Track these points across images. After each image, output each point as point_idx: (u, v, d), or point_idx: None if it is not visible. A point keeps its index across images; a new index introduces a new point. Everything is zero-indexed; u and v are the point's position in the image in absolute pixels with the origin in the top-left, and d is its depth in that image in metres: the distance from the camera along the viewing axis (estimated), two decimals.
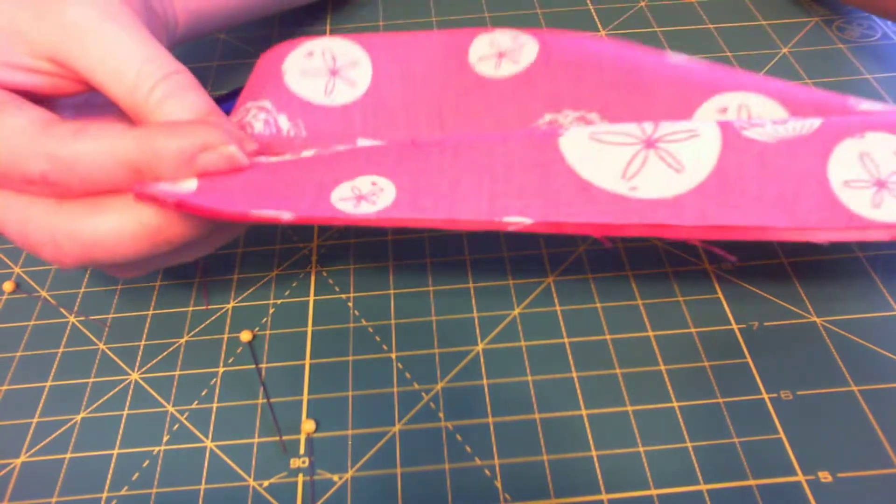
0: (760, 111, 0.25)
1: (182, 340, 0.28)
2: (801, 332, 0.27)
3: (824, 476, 0.23)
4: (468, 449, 0.24)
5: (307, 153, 0.24)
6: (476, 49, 0.29)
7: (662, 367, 0.26)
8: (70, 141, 0.21)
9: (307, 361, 0.27)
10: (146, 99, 0.23)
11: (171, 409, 0.26)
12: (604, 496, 0.23)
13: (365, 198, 0.22)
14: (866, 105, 0.24)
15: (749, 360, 0.26)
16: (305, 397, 0.26)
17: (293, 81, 0.27)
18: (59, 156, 0.21)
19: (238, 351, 0.27)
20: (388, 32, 0.30)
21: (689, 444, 0.24)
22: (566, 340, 0.27)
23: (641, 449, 0.24)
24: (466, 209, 0.21)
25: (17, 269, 0.31)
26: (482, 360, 0.26)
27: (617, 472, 0.23)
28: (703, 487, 0.23)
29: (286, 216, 0.21)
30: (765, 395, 0.25)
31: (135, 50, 0.23)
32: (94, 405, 0.26)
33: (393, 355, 0.27)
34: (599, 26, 0.41)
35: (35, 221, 0.22)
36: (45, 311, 0.29)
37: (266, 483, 0.24)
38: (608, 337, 0.27)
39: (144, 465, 0.24)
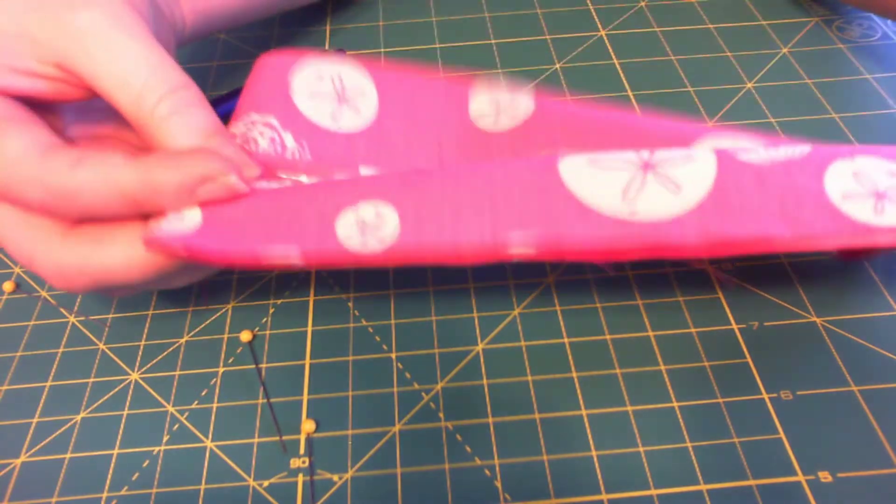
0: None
1: (182, 340, 0.28)
2: (801, 332, 0.27)
3: (824, 476, 0.23)
4: (468, 449, 0.24)
5: (308, 181, 0.24)
6: (476, 105, 0.30)
7: (662, 367, 0.26)
8: (68, 172, 0.21)
9: (307, 361, 0.27)
10: (151, 113, 0.22)
11: (171, 409, 0.26)
12: (604, 496, 0.23)
13: (369, 230, 0.22)
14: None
15: (749, 360, 0.26)
16: (305, 397, 0.26)
17: (301, 102, 0.27)
18: (57, 186, 0.21)
19: (238, 351, 0.27)
20: (395, 67, 0.31)
21: (689, 444, 0.24)
22: (566, 340, 0.27)
23: (641, 449, 0.24)
24: (470, 240, 0.22)
25: (17, 269, 0.31)
26: (482, 360, 0.26)
27: (617, 472, 0.23)
28: (703, 487, 0.23)
29: (294, 253, 0.22)
30: (765, 395, 0.25)
31: (143, 62, 0.23)
32: (94, 405, 0.26)
33: (393, 355, 0.27)
34: (599, 26, 0.41)
35: (41, 255, 0.22)
36: (45, 311, 0.29)
37: (266, 483, 0.24)
38: (608, 337, 0.27)
39: (144, 465, 0.24)
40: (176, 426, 0.25)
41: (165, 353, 0.27)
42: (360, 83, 0.29)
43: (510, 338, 0.27)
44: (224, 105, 0.35)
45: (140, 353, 0.27)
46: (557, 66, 0.38)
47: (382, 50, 0.40)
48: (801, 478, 0.23)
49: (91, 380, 0.27)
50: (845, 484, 0.23)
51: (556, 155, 0.23)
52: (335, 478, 0.24)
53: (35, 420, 0.26)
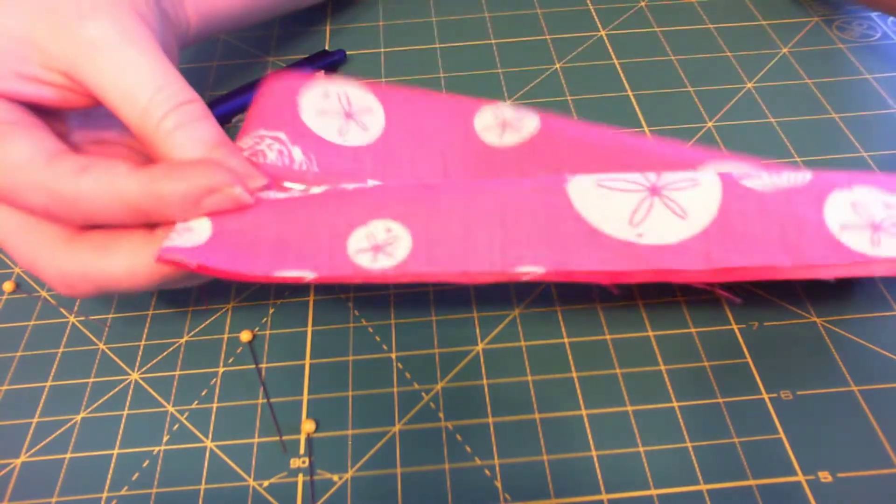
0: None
1: (182, 340, 0.28)
2: (801, 332, 0.27)
3: (824, 476, 0.23)
4: (468, 449, 0.24)
5: (316, 189, 0.25)
6: (481, 119, 0.30)
7: (662, 367, 0.26)
8: (72, 179, 0.21)
9: (307, 361, 0.27)
10: (156, 127, 0.22)
11: (171, 409, 0.26)
12: (604, 496, 0.23)
13: (381, 249, 0.22)
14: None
15: (749, 360, 0.26)
16: (305, 397, 0.26)
17: (309, 119, 0.28)
18: (61, 193, 0.21)
19: (238, 351, 0.27)
20: (401, 87, 0.31)
21: (689, 444, 0.24)
22: (566, 340, 0.27)
23: (641, 449, 0.24)
24: (480, 260, 0.22)
25: (17, 270, 0.31)
26: (482, 360, 0.26)
27: (617, 472, 0.23)
28: (703, 487, 0.23)
29: (309, 277, 0.22)
30: (765, 395, 0.25)
31: (149, 75, 0.23)
32: (94, 405, 0.26)
33: (393, 355, 0.27)
34: (599, 26, 0.41)
35: (44, 261, 0.22)
36: (45, 311, 0.29)
37: (266, 483, 0.24)
38: (608, 337, 0.27)
39: (144, 465, 0.24)
40: (176, 426, 0.25)
41: (165, 353, 0.27)
42: (367, 101, 0.30)
43: (510, 338, 0.27)
44: (224, 105, 0.35)
45: (140, 353, 0.27)
46: (557, 66, 0.38)
47: (382, 50, 0.40)
48: (801, 478, 0.23)
49: (91, 380, 0.27)
50: (845, 484, 0.23)
51: (564, 175, 0.24)
52: (335, 478, 0.24)
53: (35, 420, 0.26)
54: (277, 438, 0.25)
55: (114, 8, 0.23)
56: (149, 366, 0.27)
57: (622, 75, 0.37)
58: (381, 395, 0.26)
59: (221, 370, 0.27)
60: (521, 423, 0.25)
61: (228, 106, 0.35)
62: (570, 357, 0.26)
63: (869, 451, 0.23)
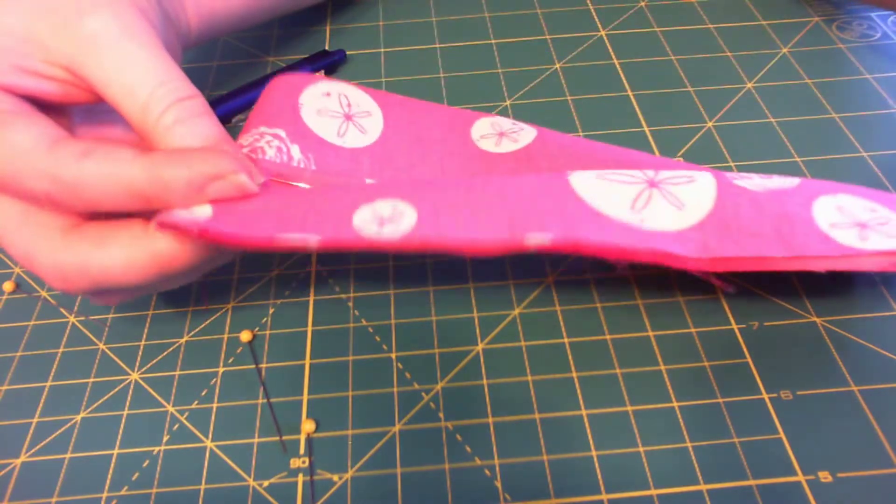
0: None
1: (182, 340, 0.28)
2: (801, 332, 0.27)
3: (824, 476, 0.23)
4: (468, 449, 0.24)
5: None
6: (478, 129, 0.31)
7: (662, 367, 0.26)
8: (75, 164, 0.21)
9: (307, 361, 0.27)
10: (156, 122, 0.22)
11: (171, 409, 0.26)
12: (604, 496, 0.23)
13: (387, 221, 0.22)
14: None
15: (749, 360, 0.26)
16: (305, 397, 0.26)
17: (309, 117, 0.28)
18: (64, 178, 0.21)
19: (238, 351, 0.27)
20: (400, 95, 0.32)
21: (689, 444, 0.24)
22: (566, 340, 0.27)
23: (641, 449, 0.24)
24: (488, 229, 0.22)
25: (17, 269, 0.31)
26: (482, 360, 0.26)
27: (617, 472, 0.23)
28: (703, 487, 0.23)
29: (313, 240, 0.21)
30: (765, 395, 0.25)
31: (150, 70, 0.23)
32: (94, 405, 0.26)
33: (393, 355, 0.27)
34: (599, 26, 0.41)
35: (41, 255, 0.22)
36: (45, 311, 0.29)
37: (266, 483, 0.24)
38: (608, 337, 0.27)
39: (144, 465, 0.24)
40: (176, 426, 0.25)
41: (165, 353, 0.27)
42: (366, 104, 0.30)
43: (510, 338, 0.27)
44: (224, 105, 0.35)
45: (140, 353, 0.27)
46: (557, 66, 0.38)
47: (382, 50, 0.40)
48: (801, 478, 0.23)
49: (91, 380, 0.27)
50: (845, 484, 0.23)
51: (564, 171, 0.24)
52: (335, 478, 0.24)
53: (35, 420, 0.26)
54: (277, 438, 0.25)
55: (114, 2, 0.23)
56: (149, 366, 0.27)
57: (622, 75, 0.37)
58: (381, 395, 0.26)
59: (221, 370, 0.27)
60: (521, 423, 0.25)
61: (228, 106, 0.35)
62: (570, 357, 0.26)
63: (869, 451, 0.23)
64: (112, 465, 0.24)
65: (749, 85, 0.36)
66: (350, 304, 0.28)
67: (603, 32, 0.40)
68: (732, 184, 0.24)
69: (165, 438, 0.25)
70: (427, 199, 0.23)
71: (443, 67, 0.39)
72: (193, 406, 0.26)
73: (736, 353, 0.26)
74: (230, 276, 0.30)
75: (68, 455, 0.25)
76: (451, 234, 0.22)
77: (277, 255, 0.30)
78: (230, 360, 0.27)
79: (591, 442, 0.24)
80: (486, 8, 0.43)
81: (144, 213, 0.23)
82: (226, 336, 0.28)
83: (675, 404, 0.25)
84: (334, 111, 0.29)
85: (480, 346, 0.27)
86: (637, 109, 0.35)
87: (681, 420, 0.24)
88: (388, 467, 0.24)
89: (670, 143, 0.33)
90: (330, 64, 0.38)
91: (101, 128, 0.26)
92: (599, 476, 0.23)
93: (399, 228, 0.22)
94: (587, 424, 0.24)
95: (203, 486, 0.24)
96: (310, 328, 0.28)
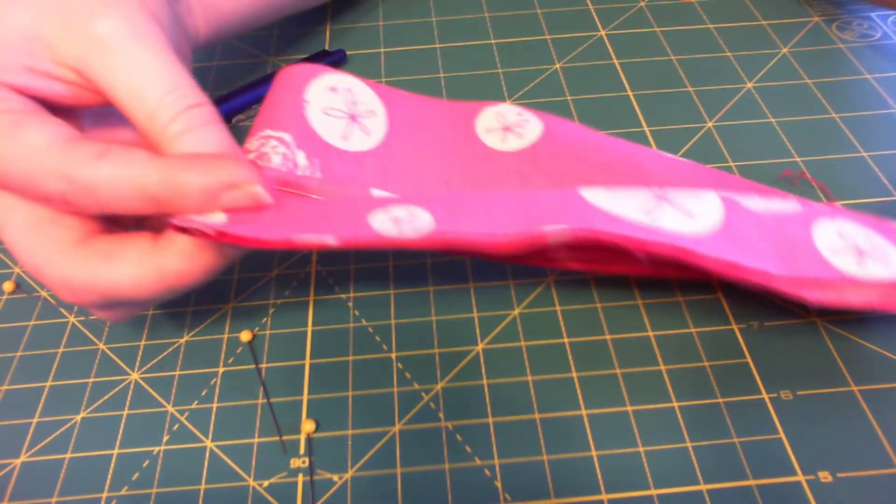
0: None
1: (182, 340, 0.28)
2: (801, 332, 0.27)
3: (824, 476, 0.23)
4: (468, 449, 0.24)
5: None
6: (483, 121, 0.31)
7: (662, 367, 0.26)
8: (90, 165, 0.21)
9: (307, 361, 0.27)
10: (164, 129, 0.22)
11: (171, 409, 0.26)
12: (604, 496, 0.23)
13: (403, 221, 0.22)
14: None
15: (749, 360, 0.26)
16: (305, 397, 0.26)
17: (314, 117, 0.28)
18: (78, 179, 0.21)
19: (238, 351, 0.27)
20: (403, 91, 0.32)
21: (689, 444, 0.24)
22: (566, 340, 0.27)
23: (641, 449, 0.24)
24: (504, 223, 0.22)
25: (17, 270, 0.31)
26: (482, 360, 0.26)
27: (617, 472, 0.23)
28: (703, 487, 0.23)
29: (330, 239, 0.21)
30: (765, 395, 0.25)
31: (159, 76, 0.22)
32: (94, 405, 0.26)
33: (393, 355, 0.27)
34: (599, 26, 0.41)
35: (50, 267, 0.22)
36: (45, 311, 0.29)
37: (266, 483, 0.24)
38: (608, 337, 0.27)
39: (144, 465, 0.24)
40: (176, 426, 0.25)
41: (165, 353, 0.27)
42: (371, 101, 0.30)
43: (510, 338, 0.27)
44: (224, 105, 0.35)
45: (140, 353, 0.27)
46: (557, 66, 0.38)
47: (382, 50, 0.40)
48: (801, 478, 0.23)
49: (91, 380, 0.27)
50: (845, 484, 0.23)
51: (575, 187, 0.24)
52: (335, 478, 0.24)
53: (35, 420, 0.26)
54: (277, 438, 0.25)
55: (126, 6, 0.23)
56: (149, 366, 0.27)
57: (622, 75, 0.37)
58: (381, 395, 0.26)
59: (221, 370, 0.27)
60: (521, 423, 0.25)
61: (228, 106, 0.35)
62: (570, 357, 0.26)
63: (869, 451, 0.23)
64: (112, 465, 0.24)
65: (749, 85, 0.36)
66: (350, 304, 0.28)
67: (603, 32, 0.40)
68: (737, 203, 0.24)
69: (165, 438, 0.25)
70: (441, 204, 0.23)
71: (443, 67, 0.39)
72: (193, 406, 0.26)
73: (736, 353, 0.26)
74: (230, 276, 0.30)
75: (68, 455, 0.25)
76: (469, 229, 0.22)
77: (277, 256, 0.30)
78: (230, 360, 0.27)
79: (591, 442, 0.24)
80: (486, 8, 0.43)
81: (155, 218, 0.23)
82: (226, 336, 0.28)
83: (675, 404, 0.25)
84: (339, 110, 0.29)
85: (480, 346, 0.27)
86: (637, 109, 0.35)
87: (681, 420, 0.24)
88: (388, 467, 0.24)
89: (670, 143, 0.33)
90: (330, 64, 0.38)
91: (109, 130, 0.26)
92: (599, 476, 0.23)
93: (416, 226, 0.22)
94: (587, 424, 0.24)
95: (203, 486, 0.24)
96: (310, 328, 0.28)
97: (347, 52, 0.40)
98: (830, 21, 0.40)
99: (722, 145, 0.33)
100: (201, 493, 0.23)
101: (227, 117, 0.36)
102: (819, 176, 0.31)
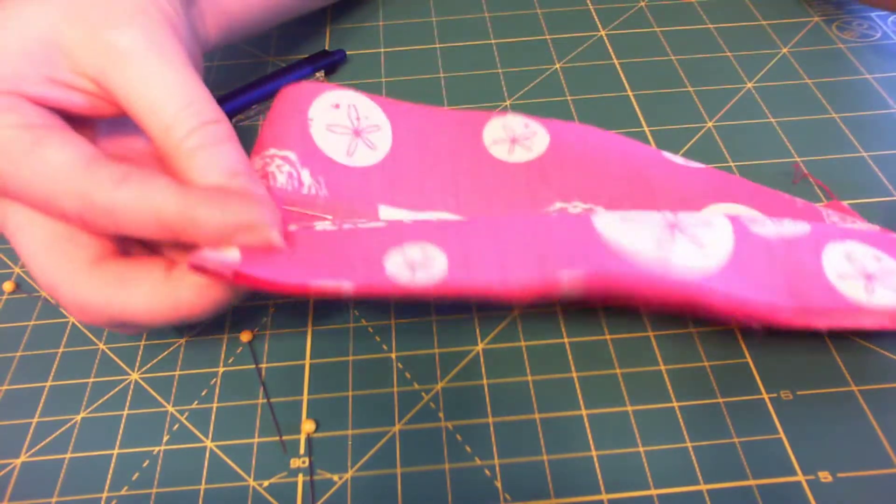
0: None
1: (182, 340, 0.28)
2: (801, 332, 0.26)
3: (824, 476, 0.23)
4: (468, 449, 0.24)
5: (344, 225, 0.24)
6: (490, 132, 0.31)
7: (662, 367, 0.26)
8: (110, 190, 0.21)
9: (307, 361, 0.27)
10: (179, 144, 0.22)
11: (171, 409, 0.26)
12: (604, 496, 0.23)
13: (418, 266, 0.22)
14: (841, 224, 0.27)
15: (749, 360, 0.26)
16: (305, 397, 0.26)
17: (318, 135, 0.28)
18: (97, 202, 0.21)
19: (238, 351, 0.27)
20: (407, 102, 0.32)
21: (689, 444, 0.24)
22: (566, 340, 0.27)
23: (641, 449, 0.24)
24: (519, 270, 0.22)
25: (17, 270, 0.31)
26: (482, 360, 0.26)
27: (617, 472, 0.23)
28: (703, 487, 0.23)
29: (346, 286, 0.21)
30: (765, 395, 0.25)
31: (177, 91, 0.22)
32: (94, 405, 0.26)
33: (393, 355, 0.27)
34: (599, 26, 0.41)
35: (65, 288, 0.22)
36: (45, 311, 0.29)
37: (266, 483, 0.24)
38: (608, 337, 0.27)
39: (144, 465, 0.24)
40: (176, 426, 0.25)
41: (165, 353, 0.27)
42: (375, 117, 0.30)
43: (510, 338, 0.27)
44: (224, 105, 0.35)
45: (140, 353, 0.27)
46: (557, 66, 0.38)
47: (382, 50, 0.40)
48: (801, 478, 0.23)
49: (91, 380, 0.27)
50: (845, 484, 0.23)
51: (589, 212, 0.24)
52: (335, 478, 0.24)
53: (35, 420, 0.26)
54: (277, 438, 0.25)
55: (146, 17, 0.23)
56: (149, 366, 0.27)
57: (622, 75, 0.37)
58: (381, 395, 0.26)
59: (221, 370, 0.27)
60: (521, 423, 0.25)
61: (228, 106, 0.35)
62: (570, 357, 0.26)
63: (869, 451, 0.23)
64: (112, 465, 0.24)
65: (749, 85, 0.36)
66: (350, 304, 0.28)
67: (603, 32, 0.40)
68: (748, 230, 0.24)
69: (165, 438, 0.25)
70: (454, 240, 0.23)
71: (443, 67, 0.39)
72: (193, 406, 0.26)
73: (736, 353, 0.26)
74: None
75: (68, 455, 0.25)
76: (484, 278, 0.22)
77: None
78: (230, 360, 0.27)
79: (591, 442, 0.24)
80: (486, 8, 0.43)
81: (170, 245, 0.24)
82: (226, 336, 0.28)
83: (675, 404, 0.25)
84: (343, 126, 0.29)
85: (480, 346, 0.27)
86: (637, 109, 0.35)
87: (681, 420, 0.24)
88: (388, 467, 0.24)
89: (670, 143, 0.33)
90: (330, 64, 0.38)
91: (125, 141, 0.26)
92: (599, 476, 0.23)
93: (432, 273, 0.22)
94: (587, 424, 0.24)
95: (203, 486, 0.24)
96: (310, 328, 0.28)
97: (347, 52, 0.40)
98: (830, 21, 0.40)
99: (722, 145, 0.33)
100: (201, 493, 0.23)
101: (228, 117, 0.36)
102: (819, 176, 0.31)
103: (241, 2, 0.31)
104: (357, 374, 0.26)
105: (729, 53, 0.38)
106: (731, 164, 0.32)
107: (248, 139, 0.35)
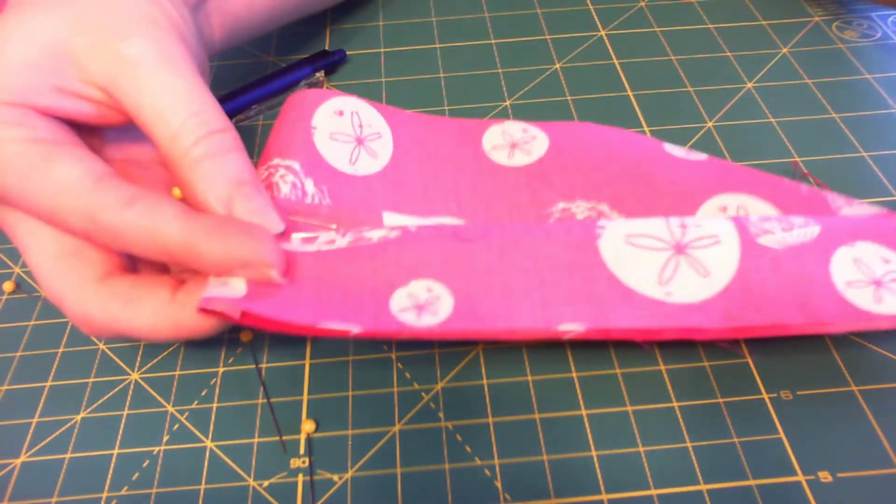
0: (756, 211, 0.27)
1: None
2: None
3: (824, 476, 0.23)
4: (468, 449, 0.24)
5: (342, 241, 0.24)
6: (489, 138, 0.31)
7: (662, 368, 0.26)
8: (117, 212, 0.21)
9: (307, 361, 0.27)
10: (185, 153, 0.22)
11: (171, 409, 0.26)
12: (604, 496, 0.23)
13: (424, 308, 0.23)
14: (846, 208, 0.27)
15: (749, 360, 0.26)
16: (305, 397, 0.26)
17: (322, 143, 0.28)
18: (103, 222, 0.21)
19: (238, 351, 0.27)
20: (408, 111, 0.32)
21: (689, 444, 0.24)
22: (566, 341, 0.27)
23: (641, 449, 0.24)
24: (523, 317, 0.23)
25: (17, 269, 0.31)
26: (482, 360, 0.26)
27: (617, 472, 0.23)
28: (703, 487, 0.23)
29: (354, 329, 0.22)
30: (765, 395, 0.25)
31: (184, 100, 0.22)
32: (94, 405, 0.26)
33: (393, 355, 0.27)
34: (599, 26, 0.41)
35: (70, 302, 0.22)
36: (45, 311, 0.29)
37: (266, 483, 0.24)
38: None
39: (144, 465, 0.24)
40: (176, 426, 0.25)
41: (165, 353, 0.27)
42: (377, 123, 0.30)
43: None
44: (224, 105, 0.35)
45: (140, 353, 0.27)
46: (557, 66, 0.38)
47: (382, 50, 0.40)
48: (801, 478, 0.23)
49: (91, 380, 0.27)
50: (845, 484, 0.23)
51: (594, 230, 0.24)
52: (335, 478, 0.24)
53: (35, 420, 0.26)
54: (277, 438, 0.25)
55: (155, 28, 0.23)
56: (149, 366, 0.27)
57: (622, 75, 0.37)
58: (381, 395, 0.26)
59: (221, 370, 0.27)
60: (521, 423, 0.25)
61: (228, 106, 0.35)
62: (570, 357, 0.26)
63: (869, 451, 0.23)
64: (112, 465, 0.24)
65: (749, 85, 0.36)
66: None
67: (603, 32, 0.40)
68: (755, 243, 0.24)
69: (165, 438, 0.25)
70: (459, 278, 0.23)
71: (443, 67, 0.39)
72: (193, 406, 0.26)
73: (736, 353, 0.26)
74: None
75: (68, 455, 0.25)
76: (488, 324, 0.22)
77: None
78: (230, 360, 0.27)
79: (591, 442, 0.24)
80: (486, 8, 0.43)
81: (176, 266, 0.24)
82: (226, 336, 0.28)
83: (675, 404, 0.25)
84: (346, 134, 0.29)
85: (480, 346, 0.27)
86: (637, 109, 0.35)
87: (681, 420, 0.24)
88: (388, 467, 0.24)
89: (670, 142, 0.33)
90: (330, 64, 0.38)
91: (133, 147, 0.26)
92: (599, 476, 0.23)
93: (437, 319, 0.22)
94: (587, 424, 0.24)
95: (203, 486, 0.24)
96: None
97: (347, 52, 0.40)
98: (830, 21, 0.40)
99: (722, 145, 0.33)
100: (201, 493, 0.23)
101: (228, 117, 0.36)
102: (819, 176, 0.31)
103: (246, 4, 0.32)
104: (357, 374, 0.26)
105: (729, 53, 0.38)
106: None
107: (248, 139, 0.35)
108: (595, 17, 0.42)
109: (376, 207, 0.28)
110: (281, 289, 0.22)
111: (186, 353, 0.27)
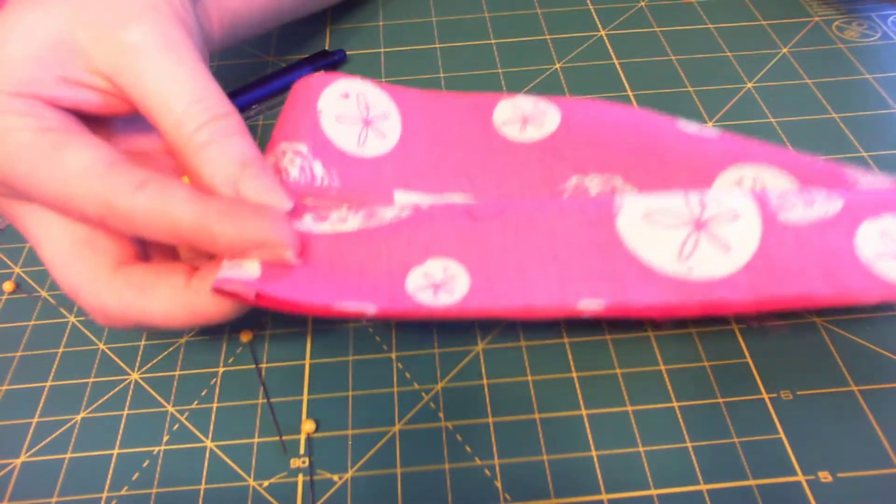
0: (773, 183, 0.26)
1: (182, 340, 0.28)
2: (801, 332, 0.27)
3: (824, 476, 0.23)
4: (468, 449, 0.24)
5: (353, 221, 0.24)
6: (500, 113, 0.30)
7: (662, 367, 0.26)
8: (130, 194, 0.21)
9: (307, 361, 0.27)
10: (189, 139, 0.22)
11: (171, 409, 0.26)
12: (604, 496, 0.23)
13: (441, 287, 0.22)
14: (864, 179, 0.26)
15: (749, 360, 0.26)
16: (305, 397, 0.26)
17: (328, 126, 0.28)
18: (116, 207, 0.21)
19: (238, 351, 0.27)
20: (416, 89, 0.31)
21: (689, 444, 0.24)
22: (566, 341, 0.27)
23: (641, 449, 0.24)
24: (541, 295, 0.22)
25: (17, 269, 0.31)
26: (482, 360, 0.26)
27: (617, 472, 0.23)
28: (703, 487, 0.23)
29: (370, 309, 0.22)
30: (765, 395, 0.25)
31: (187, 86, 0.23)
32: (94, 405, 0.26)
33: (393, 355, 0.27)
34: (599, 26, 0.41)
35: (86, 292, 0.22)
36: (45, 311, 0.29)
37: (266, 483, 0.24)
38: (608, 337, 0.27)
39: (144, 465, 0.24)
40: (176, 426, 0.25)
41: (165, 353, 0.27)
42: (384, 105, 0.30)
43: (510, 338, 0.27)
44: None
45: (140, 353, 0.27)
46: (557, 66, 0.38)
47: (382, 50, 0.40)
48: (801, 478, 0.23)
49: (91, 380, 0.27)
50: (845, 484, 0.23)
51: (611, 206, 0.23)
52: (335, 478, 0.24)
53: (35, 420, 0.26)
54: (277, 438, 0.25)
55: (157, 14, 0.23)
56: (149, 366, 0.27)
57: (622, 75, 0.37)
58: (381, 395, 0.26)
59: (221, 370, 0.27)
60: (521, 423, 0.25)
61: None
62: (570, 357, 0.26)
63: (869, 451, 0.23)
64: (112, 465, 0.24)
65: (749, 85, 0.36)
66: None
67: (603, 32, 0.40)
68: (776, 219, 0.23)
69: (165, 438, 0.25)
70: (476, 256, 0.23)
71: (443, 67, 0.39)
72: (193, 406, 0.26)
73: (736, 353, 0.26)
74: None
75: (68, 455, 0.25)
76: (505, 302, 0.22)
77: None
78: (230, 360, 0.27)
79: (591, 442, 0.24)
80: (486, 8, 0.43)
81: (190, 251, 0.24)
82: (226, 336, 0.28)
83: (675, 404, 0.25)
84: (353, 116, 0.28)
85: (480, 346, 0.27)
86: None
87: (681, 420, 0.24)
88: (388, 467, 0.24)
89: None
90: (330, 64, 0.38)
91: (140, 137, 0.26)
92: (599, 476, 0.23)
93: (454, 298, 0.22)
94: (587, 424, 0.24)
95: (203, 486, 0.24)
96: (310, 328, 0.28)
97: (347, 53, 0.40)
98: (830, 21, 0.40)
99: None
100: (201, 493, 0.23)
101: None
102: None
103: (244, 0, 0.31)
104: (357, 374, 0.26)
105: (729, 53, 0.38)
106: None
107: None
108: (595, 17, 0.42)
109: (387, 187, 0.27)
110: (295, 270, 0.22)
111: (186, 353, 0.27)
